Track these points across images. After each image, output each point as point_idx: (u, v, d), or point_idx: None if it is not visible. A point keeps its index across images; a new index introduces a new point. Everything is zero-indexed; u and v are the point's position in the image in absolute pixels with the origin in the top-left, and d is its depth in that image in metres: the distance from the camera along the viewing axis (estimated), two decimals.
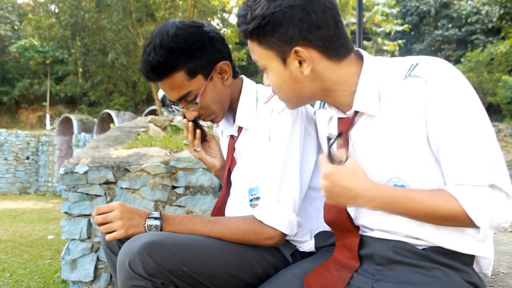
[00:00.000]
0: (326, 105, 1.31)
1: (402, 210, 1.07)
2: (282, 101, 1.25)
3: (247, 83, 1.54)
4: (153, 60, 1.34)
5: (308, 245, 1.42)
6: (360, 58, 1.19)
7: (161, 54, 1.33)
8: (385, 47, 20.36)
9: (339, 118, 1.23)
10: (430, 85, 1.05)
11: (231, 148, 1.55)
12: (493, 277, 1.70)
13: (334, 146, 1.08)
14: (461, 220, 1.03)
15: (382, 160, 1.15)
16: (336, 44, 1.12)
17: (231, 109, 1.53)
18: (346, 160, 1.08)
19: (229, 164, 1.55)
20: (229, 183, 1.56)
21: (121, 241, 1.32)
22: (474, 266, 1.15)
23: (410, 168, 1.11)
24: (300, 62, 1.12)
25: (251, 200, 1.43)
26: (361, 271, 1.18)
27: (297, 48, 1.10)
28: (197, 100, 1.41)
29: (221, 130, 1.63)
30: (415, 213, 1.06)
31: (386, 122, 1.13)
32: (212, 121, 1.52)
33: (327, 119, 1.32)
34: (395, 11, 20.08)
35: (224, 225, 1.32)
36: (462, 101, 1.04)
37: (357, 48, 1.20)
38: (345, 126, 1.21)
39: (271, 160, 1.36)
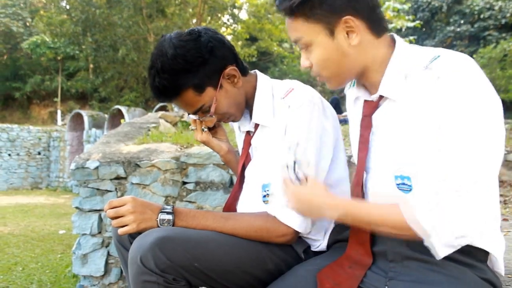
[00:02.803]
0: (355, 84, 1.29)
1: (356, 221, 1.13)
2: (324, 79, 1.22)
3: (262, 79, 1.51)
4: (159, 85, 1.35)
5: (320, 245, 1.41)
6: (394, 41, 1.18)
7: (166, 78, 1.34)
8: None
9: (365, 101, 1.22)
10: (440, 82, 1.02)
11: (247, 144, 1.53)
12: (509, 276, 1.67)
13: (297, 171, 1.21)
14: (410, 234, 1.02)
15: (395, 149, 1.13)
16: (378, 16, 1.13)
17: (247, 105, 1.51)
18: (307, 180, 1.20)
19: (244, 159, 1.53)
20: (242, 179, 1.54)
21: (132, 236, 1.32)
22: (488, 263, 1.13)
23: (418, 163, 1.08)
24: (347, 33, 1.12)
25: (264, 196, 1.41)
26: (375, 269, 1.17)
27: (347, 17, 1.09)
28: (211, 112, 1.41)
29: (238, 126, 1.61)
30: (366, 223, 1.11)
31: (404, 110, 1.11)
32: (232, 121, 1.53)
33: (353, 99, 1.31)
34: (406, 7, 19.91)
35: (237, 221, 1.31)
36: (465, 108, 0.98)
37: (392, 33, 1.19)
38: (369, 110, 1.20)
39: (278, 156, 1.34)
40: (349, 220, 1.14)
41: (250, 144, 1.52)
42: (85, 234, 3.94)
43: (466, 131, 0.97)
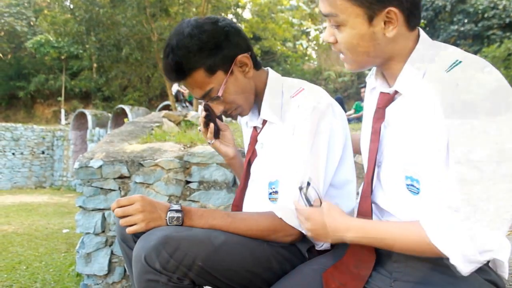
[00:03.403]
0: (374, 72, 1.27)
1: (375, 241, 1.11)
2: (346, 60, 1.19)
3: (273, 75, 1.51)
4: (172, 62, 1.36)
5: (324, 245, 1.40)
6: (419, 35, 1.15)
7: (179, 55, 1.34)
8: None
9: (381, 92, 1.20)
10: (458, 90, 1.00)
11: (253, 140, 1.53)
12: None
13: (311, 193, 1.21)
14: (433, 253, 1.01)
15: (404, 147, 1.12)
16: (417, 11, 1.11)
17: (256, 101, 1.51)
18: (321, 204, 1.20)
19: (250, 155, 1.53)
20: (247, 175, 1.54)
21: (136, 235, 1.32)
22: (491, 265, 1.12)
23: (427, 167, 1.07)
24: (384, 23, 1.08)
25: (270, 194, 1.41)
26: (379, 269, 1.16)
27: (392, 8, 1.06)
28: (219, 94, 1.40)
29: (246, 121, 1.62)
30: (386, 244, 1.09)
31: (418, 110, 1.09)
32: (239, 114, 1.51)
33: (370, 88, 1.30)
34: None
35: (243, 220, 1.31)
36: (479, 117, 0.96)
37: (419, 27, 1.17)
38: (384, 102, 1.19)
39: (294, 156, 1.33)
40: (367, 241, 1.12)
41: (256, 140, 1.52)
42: (88, 233, 3.95)
43: (478, 143, 0.95)
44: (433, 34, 23.18)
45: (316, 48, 25.07)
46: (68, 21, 16.92)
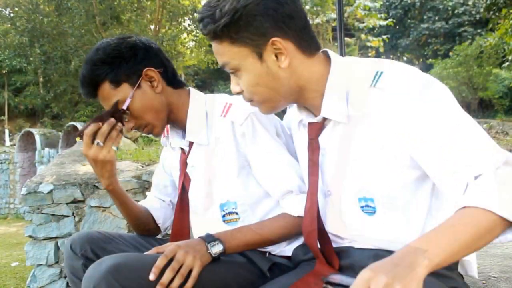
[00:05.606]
0: (297, 107, 1.34)
1: (453, 252, 0.90)
2: (256, 105, 1.26)
3: (195, 95, 1.58)
4: (81, 76, 1.49)
5: (281, 251, 1.46)
6: (328, 58, 1.23)
7: (86, 69, 1.48)
8: (369, 43, 20.63)
9: (309, 123, 1.26)
10: (396, 100, 1.08)
11: (183, 163, 1.58)
12: (484, 282, 1.76)
13: None
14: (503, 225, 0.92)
15: (350, 170, 1.18)
16: (308, 35, 1.18)
17: (178, 121, 1.57)
18: None
19: (182, 180, 1.58)
20: (184, 201, 1.59)
21: (86, 266, 1.33)
22: (460, 269, 1.19)
23: (380, 182, 1.14)
24: (276, 56, 1.15)
25: (223, 216, 1.48)
26: None
27: (275, 38, 1.13)
28: (124, 107, 1.46)
29: (169, 142, 1.65)
30: (462, 246, 0.91)
31: (355, 130, 1.16)
32: (151, 132, 1.56)
33: (297, 122, 1.35)
34: (378, 4, 20.35)
35: (266, 227, 1.39)
36: (435, 107, 1.05)
37: (325, 49, 1.25)
38: (315, 132, 1.24)
39: (272, 164, 1.42)
40: (444, 257, 0.89)
41: (186, 163, 1.57)
42: (40, 264, 3.88)
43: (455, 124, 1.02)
44: (403, 33, 23.80)
45: None
46: (8, 32, 16.61)
